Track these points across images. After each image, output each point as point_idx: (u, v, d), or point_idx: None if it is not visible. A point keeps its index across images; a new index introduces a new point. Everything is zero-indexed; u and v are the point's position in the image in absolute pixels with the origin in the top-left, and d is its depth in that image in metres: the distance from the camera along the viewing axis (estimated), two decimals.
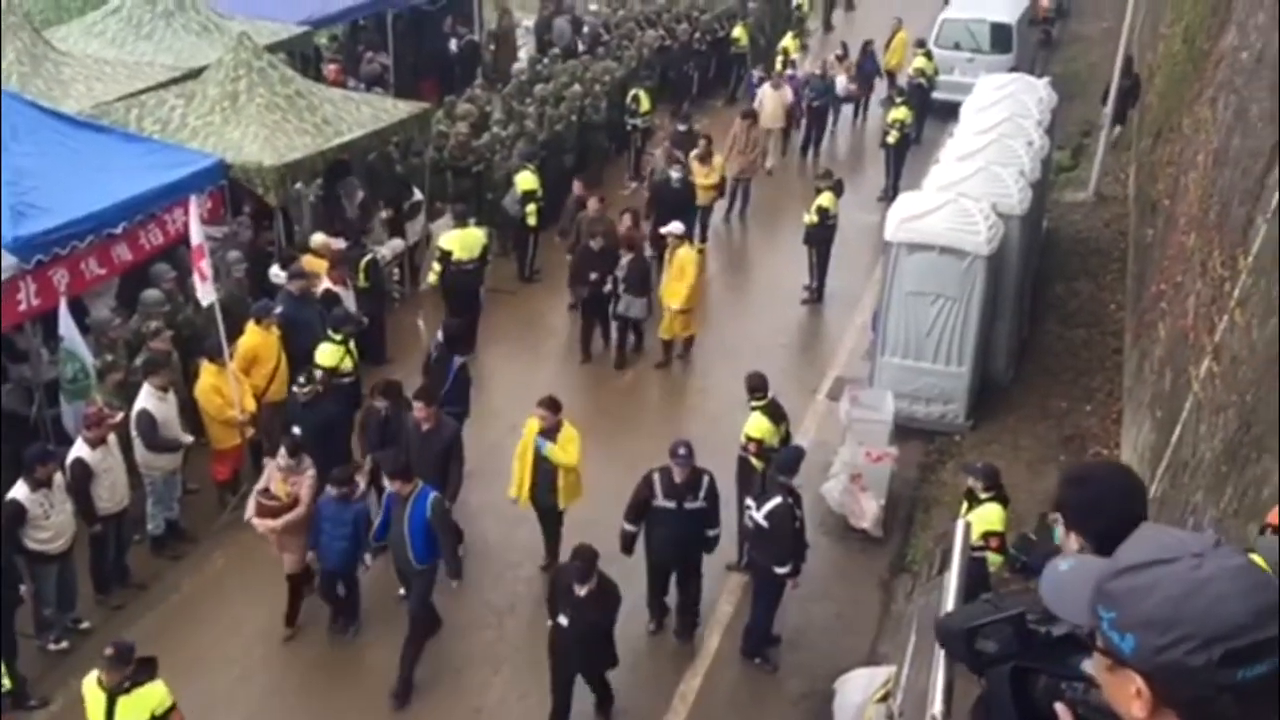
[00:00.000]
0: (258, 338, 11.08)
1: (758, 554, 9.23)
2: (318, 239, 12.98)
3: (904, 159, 18.54)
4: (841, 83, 21.00)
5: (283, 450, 9.29)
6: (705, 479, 9.09)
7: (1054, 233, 16.97)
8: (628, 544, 9.21)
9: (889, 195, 17.38)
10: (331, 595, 9.48)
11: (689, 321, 13.70)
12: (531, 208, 15.19)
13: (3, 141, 10.52)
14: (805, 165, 20.02)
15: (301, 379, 10.35)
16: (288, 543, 9.29)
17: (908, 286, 11.92)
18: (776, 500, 8.93)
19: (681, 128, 17.79)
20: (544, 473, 9.67)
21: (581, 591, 7.93)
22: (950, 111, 16.97)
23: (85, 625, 9.50)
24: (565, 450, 9.60)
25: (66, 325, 10.25)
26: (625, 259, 13.53)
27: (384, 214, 14.72)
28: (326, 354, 11.08)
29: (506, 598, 10.08)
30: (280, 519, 9.11)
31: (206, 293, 10.37)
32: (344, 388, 11.23)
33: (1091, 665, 2.10)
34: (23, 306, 9.85)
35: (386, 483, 8.91)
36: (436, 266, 13.66)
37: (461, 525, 9.95)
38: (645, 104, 19.28)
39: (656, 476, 9.03)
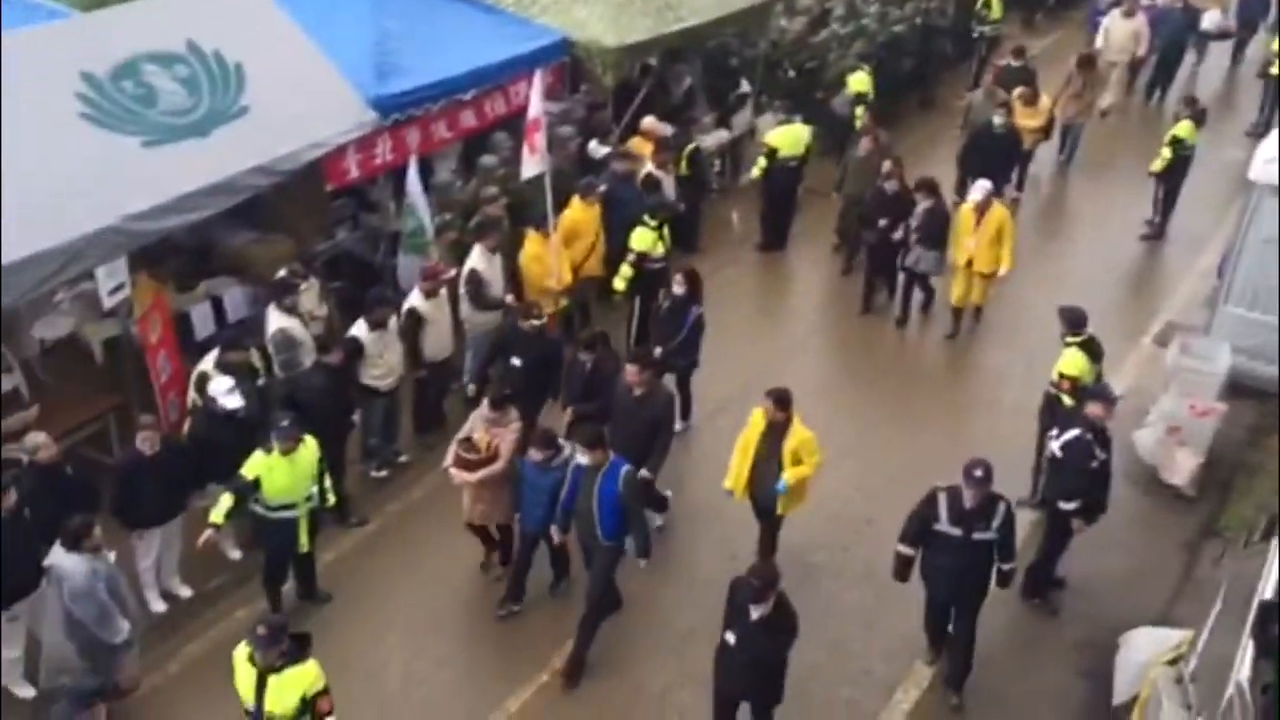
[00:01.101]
0: (580, 213, 11.52)
1: (1049, 488, 8.85)
2: (647, 122, 13.22)
3: None
4: (1213, 19, 18.33)
5: (487, 400, 8.81)
6: (1001, 507, 7.81)
7: None
8: (900, 569, 8.08)
9: (1260, 130, 15.73)
10: (527, 558, 8.85)
11: (987, 289, 12.37)
12: (860, 110, 14.80)
13: (373, 7, 11.33)
14: (1149, 110, 17.97)
15: (535, 311, 9.92)
16: (484, 494, 8.74)
17: (1266, 233, 10.83)
18: (1075, 432, 8.53)
19: (1015, 62, 15.88)
20: (765, 473, 8.66)
21: (755, 614, 7.00)
22: None
23: (404, 459, 10.38)
24: (797, 472, 8.58)
25: (413, 183, 11.02)
26: (922, 205, 12.18)
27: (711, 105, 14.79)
28: (641, 237, 11.37)
29: (699, 583, 9.10)
30: (476, 474, 8.58)
31: (532, 165, 10.80)
32: (654, 272, 11.54)
33: None
34: (378, 160, 10.64)
35: (577, 451, 8.15)
36: (762, 161, 13.63)
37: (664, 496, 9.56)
38: (996, 10, 18.25)
39: (943, 497, 7.85)
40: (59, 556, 7.34)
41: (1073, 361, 9.53)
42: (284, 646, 6.48)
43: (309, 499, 8.40)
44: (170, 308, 9.96)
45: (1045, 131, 15.16)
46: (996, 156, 13.83)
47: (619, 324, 12.03)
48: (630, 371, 8.84)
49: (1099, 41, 17.29)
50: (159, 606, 8.80)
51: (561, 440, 8.41)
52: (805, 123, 14.09)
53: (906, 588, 8.24)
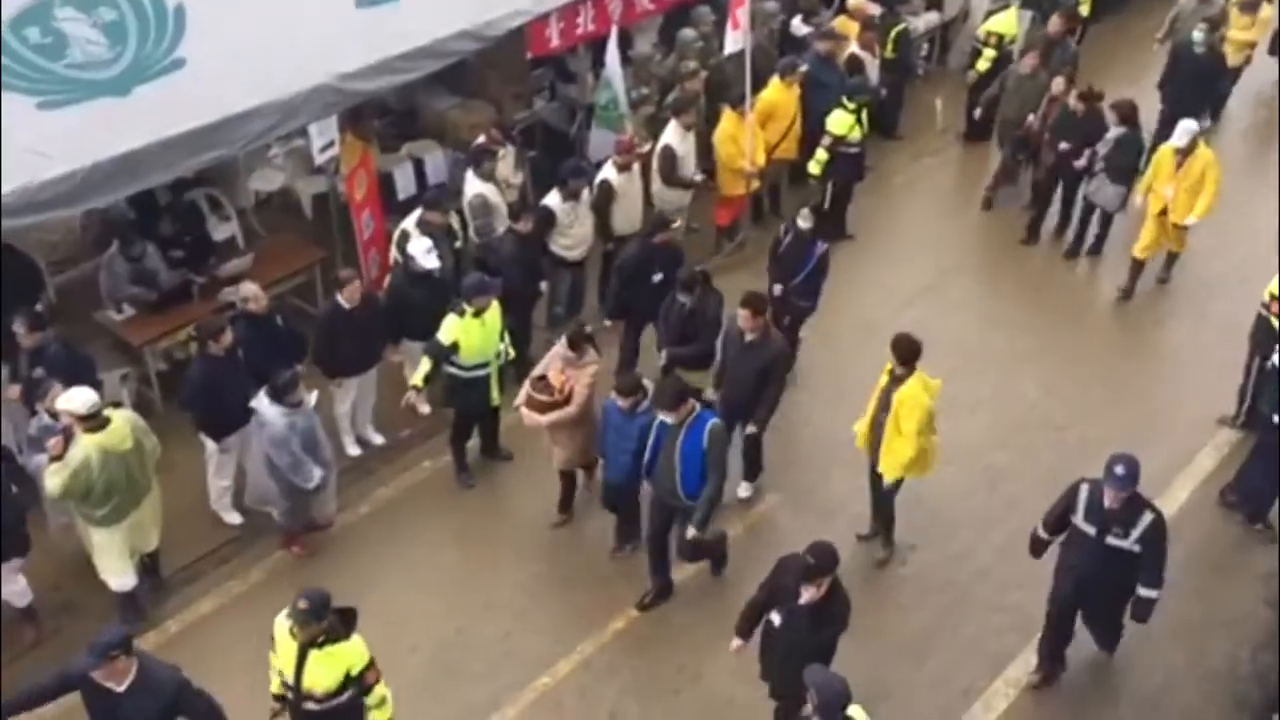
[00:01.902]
0: (779, 93, 11.27)
1: (1265, 401, 8.40)
2: (854, 0, 12.74)
3: None
4: None
5: (564, 337, 8.32)
6: (1147, 518, 6.85)
7: None
8: (1035, 547, 7.41)
9: None
10: (612, 506, 8.39)
11: (1184, 238, 11.02)
12: None
13: None
14: None
15: (677, 222, 9.63)
16: (559, 438, 8.33)
17: None
18: None
19: None
20: (878, 431, 7.96)
21: (804, 598, 6.35)
22: None
23: (589, 329, 10.55)
24: (894, 454, 7.91)
25: (612, 55, 10.96)
26: (1114, 133, 10.94)
27: None
28: (838, 121, 11.06)
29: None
30: (548, 416, 8.14)
31: (734, 41, 10.64)
32: (850, 157, 11.25)
33: None
34: (580, 30, 10.59)
35: (657, 409, 7.50)
36: (990, 53, 12.76)
37: (769, 456, 8.94)
38: None
39: (1084, 488, 7.01)
40: (263, 404, 7.82)
41: None
42: (326, 623, 6.05)
43: (498, 355, 8.70)
44: (375, 167, 10.29)
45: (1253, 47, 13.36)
46: (1200, 81, 12.38)
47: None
48: (743, 316, 8.11)
49: None
50: (354, 451, 9.31)
51: (648, 382, 7.83)
52: (1023, 8, 13.32)
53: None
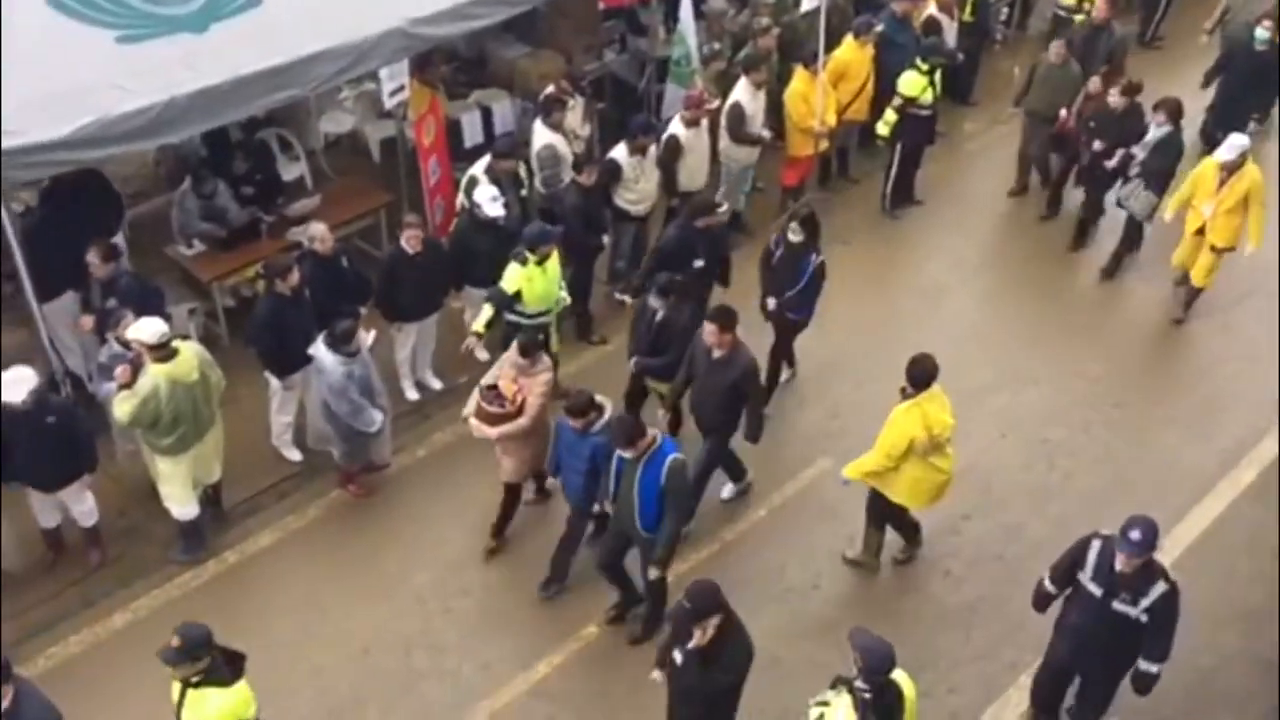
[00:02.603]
0: (852, 53, 11.11)
1: None
2: None
3: None
4: None
5: (516, 344, 7.78)
6: (1159, 588, 6.26)
7: None
8: (1039, 600, 6.79)
9: None
10: (574, 534, 7.81)
11: (1212, 268, 10.03)
12: None
13: None
14: None
15: (713, 206, 9.09)
16: (508, 447, 7.76)
17: None
18: None
19: None
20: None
21: (690, 643, 5.94)
22: None
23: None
24: (859, 464, 7.55)
25: (685, 8, 10.86)
26: (1155, 133, 10.15)
27: None
28: (910, 83, 10.89)
29: (796, 592, 8.05)
30: (498, 428, 7.58)
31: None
32: (920, 120, 11.08)
33: None
34: None
35: (615, 445, 7.00)
36: (1082, 18, 12.22)
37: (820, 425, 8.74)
38: None
39: (1096, 545, 6.42)
40: (320, 351, 7.90)
41: None
42: (203, 664, 5.52)
43: (558, 301, 8.75)
44: (443, 114, 10.31)
45: None
46: (1257, 82, 11.40)
47: (876, 174, 11.75)
48: (710, 331, 7.60)
49: None
50: (413, 395, 9.42)
51: (601, 399, 7.32)
52: None
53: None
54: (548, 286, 8.58)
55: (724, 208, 9.40)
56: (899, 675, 5.77)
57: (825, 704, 5.79)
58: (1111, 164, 10.48)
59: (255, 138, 10.35)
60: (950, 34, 11.98)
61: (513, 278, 8.44)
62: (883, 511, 7.92)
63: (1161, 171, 10.21)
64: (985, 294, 10.57)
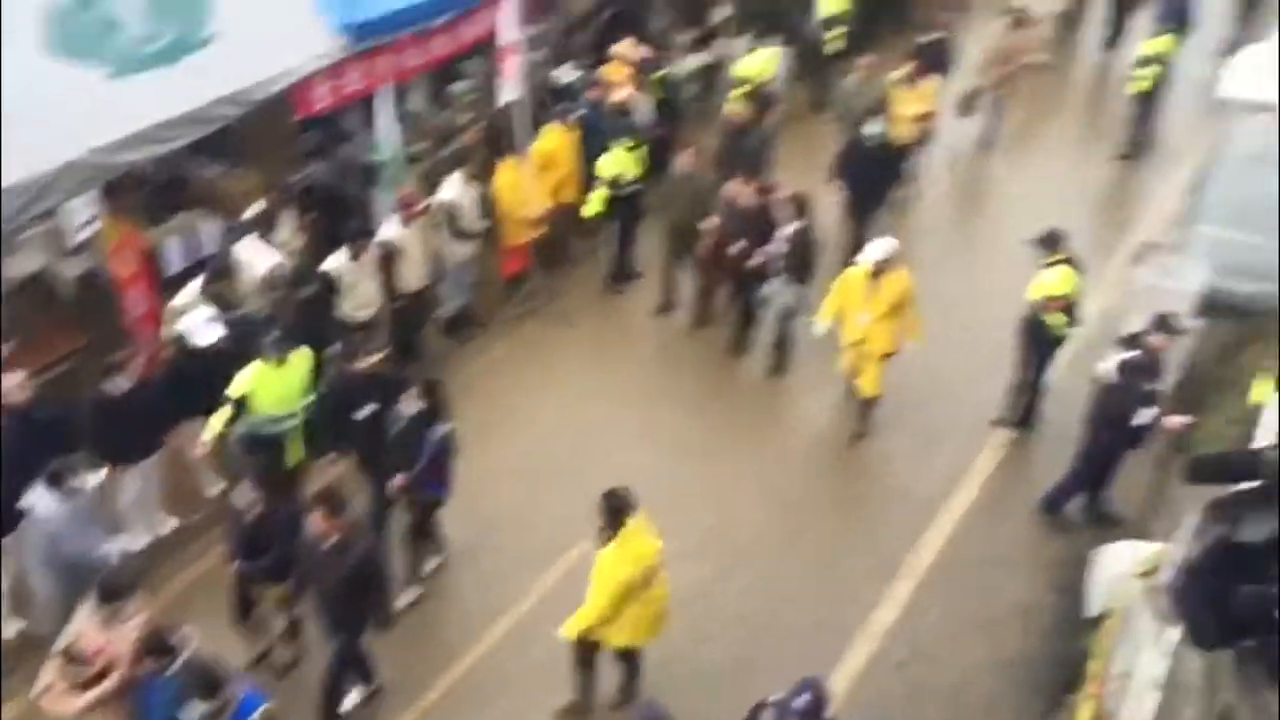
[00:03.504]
0: (557, 139, 11.41)
1: (1099, 409, 8.81)
2: (621, 47, 13.03)
3: (1257, 6, 16.50)
4: None
5: (95, 590, 6.62)
6: None
7: None
8: None
9: (1230, 48, 15.62)
10: None
11: (878, 377, 9.84)
12: (836, 33, 14.60)
13: None
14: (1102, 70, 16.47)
15: (367, 347, 8.43)
16: (106, 713, 6.52)
17: (1242, 150, 10.84)
18: (1135, 354, 8.55)
19: (921, 39, 13.44)
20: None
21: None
22: None
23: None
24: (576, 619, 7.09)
25: (385, 112, 10.86)
26: (788, 228, 10.09)
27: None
28: (611, 162, 11.28)
29: None
30: (85, 697, 6.34)
31: (509, 90, 10.71)
32: (624, 198, 11.44)
33: None
34: (349, 89, 10.45)
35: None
36: (735, 92, 13.03)
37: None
38: None
39: (769, 714, 6.06)
40: (39, 495, 7.30)
41: (1063, 280, 9.43)
42: None
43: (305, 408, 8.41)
44: (142, 242, 9.82)
45: (927, 122, 12.67)
46: (873, 174, 11.71)
47: (593, 256, 12.01)
48: (315, 521, 6.90)
49: None
50: (144, 539, 8.79)
51: (176, 639, 6.39)
52: (787, 44, 13.87)
53: None
54: (285, 390, 8.18)
55: (380, 352, 8.52)
56: None
57: None
58: (751, 263, 10.38)
59: None
60: (645, 113, 12.47)
61: (242, 380, 8.04)
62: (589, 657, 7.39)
63: (800, 265, 10.23)
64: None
